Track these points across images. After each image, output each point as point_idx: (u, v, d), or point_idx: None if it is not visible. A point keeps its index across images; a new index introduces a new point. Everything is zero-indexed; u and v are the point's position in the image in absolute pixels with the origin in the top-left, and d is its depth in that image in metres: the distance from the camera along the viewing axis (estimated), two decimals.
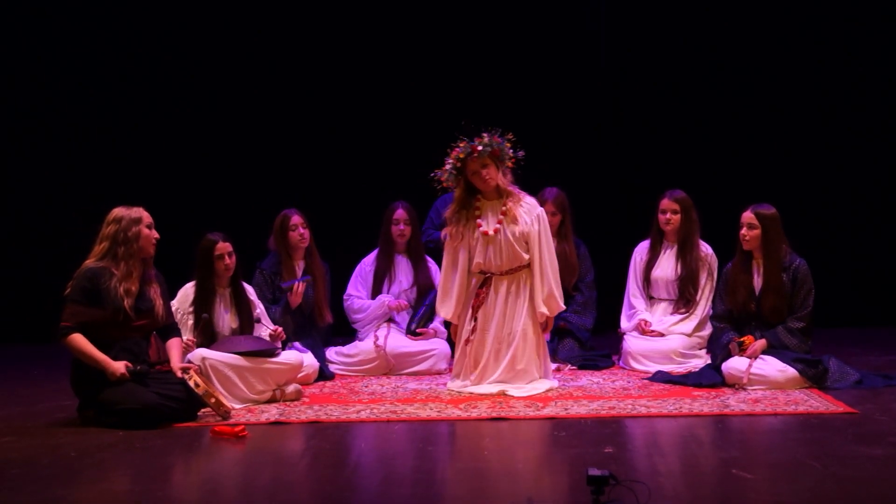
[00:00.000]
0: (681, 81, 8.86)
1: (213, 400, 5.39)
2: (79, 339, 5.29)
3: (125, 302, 5.32)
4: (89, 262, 5.39)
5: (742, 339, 6.18)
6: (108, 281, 5.32)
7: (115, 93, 8.80)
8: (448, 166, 6.09)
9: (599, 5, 8.79)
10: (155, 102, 8.80)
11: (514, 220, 6.13)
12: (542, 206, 7.13)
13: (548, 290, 6.16)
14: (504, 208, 6.14)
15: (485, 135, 6.03)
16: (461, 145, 6.05)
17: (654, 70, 8.90)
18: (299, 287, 6.72)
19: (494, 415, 5.49)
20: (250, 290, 6.31)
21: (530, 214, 6.17)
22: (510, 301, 6.19)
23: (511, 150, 6.11)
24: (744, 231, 6.22)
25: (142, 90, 8.79)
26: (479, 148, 6.01)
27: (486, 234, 6.13)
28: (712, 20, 8.82)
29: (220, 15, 8.80)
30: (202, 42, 8.80)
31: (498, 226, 6.12)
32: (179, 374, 5.43)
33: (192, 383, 5.35)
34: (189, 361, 5.65)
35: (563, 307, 6.32)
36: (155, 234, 5.48)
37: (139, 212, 5.46)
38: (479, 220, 6.16)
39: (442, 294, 6.30)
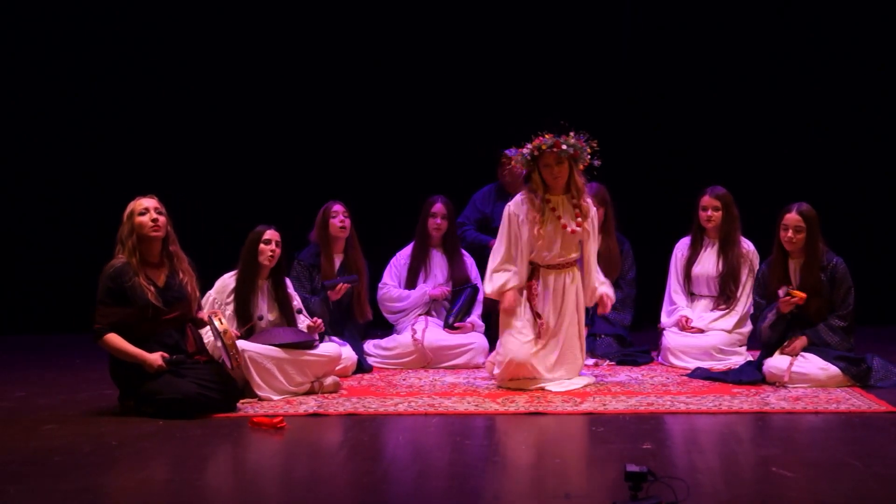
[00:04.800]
0: (720, 76, 8.80)
1: (233, 352, 5.40)
2: (113, 339, 5.34)
3: (149, 294, 5.35)
4: (113, 261, 5.42)
5: (790, 290, 5.99)
6: (130, 278, 5.35)
7: (158, 86, 8.87)
8: (526, 150, 6.04)
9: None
10: (196, 96, 8.86)
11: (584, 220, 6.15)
12: None
13: (600, 279, 6.31)
14: (578, 207, 6.11)
15: (572, 133, 6.00)
16: (547, 136, 5.99)
17: (692, 65, 8.85)
18: (342, 287, 6.75)
19: (532, 409, 5.48)
20: (288, 284, 6.33)
21: (589, 215, 6.20)
22: (557, 297, 6.17)
23: (589, 156, 6.05)
24: (790, 234, 6.07)
25: (181, 84, 8.86)
26: (563, 147, 5.96)
27: (565, 228, 6.06)
28: (745, 13, 8.75)
29: (265, 8, 8.86)
30: (244, 37, 8.86)
31: (577, 228, 6.09)
32: (206, 318, 5.49)
33: (217, 321, 5.40)
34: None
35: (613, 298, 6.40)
36: (148, 218, 5.39)
37: (131, 204, 5.45)
38: (560, 216, 6.07)
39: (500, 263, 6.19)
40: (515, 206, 6.18)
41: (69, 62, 8.86)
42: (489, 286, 6.22)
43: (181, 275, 5.52)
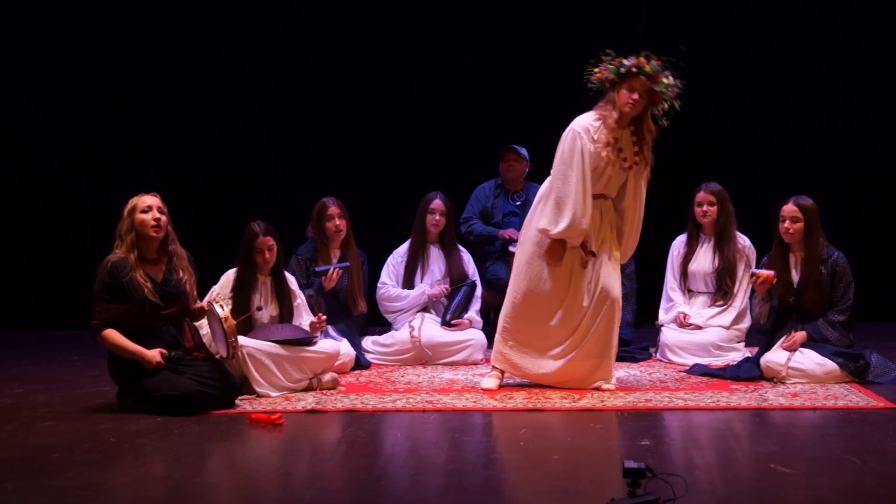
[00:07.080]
0: (715, 71, 8.78)
1: (231, 338, 5.41)
2: (111, 335, 5.34)
3: (146, 290, 5.34)
4: (110, 256, 5.42)
5: (759, 272, 6.06)
6: (128, 273, 5.34)
7: (159, 82, 8.87)
8: (629, 62, 5.41)
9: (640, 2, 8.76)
10: (197, 92, 8.86)
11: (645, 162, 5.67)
12: None
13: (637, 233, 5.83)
14: (637, 143, 5.61)
15: (669, 74, 5.46)
16: (654, 62, 5.45)
17: (691, 63, 8.78)
18: (334, 273, 6.75)
19: (531, 406, 5.48)
20: (292, 280, 6.32)
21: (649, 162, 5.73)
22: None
23: (667, 104, 5.56)
24: (787, 224, 6.12)
25: (180, 82, 8.86)
26: (657, 89, 5.44)
27: (624, 162, 5.59)
28: (745, 11, 8.74)
29: (263, 6, 8.86)
30: (244, 33, 8.86)
31: (635, 166, 5.65)
32: (206, 305, 5.50)
33: (218, 307, 5.40)
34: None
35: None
36: (151, 217, 5.38)
37: (133, 200, 5.45)
38: (620, 148, 5.59)
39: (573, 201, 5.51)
40: (583, 126, 5.53)
41: (69, 62, 8.85)
42: (564, 221, 5.54)
43: (180, 272, 5.51)
